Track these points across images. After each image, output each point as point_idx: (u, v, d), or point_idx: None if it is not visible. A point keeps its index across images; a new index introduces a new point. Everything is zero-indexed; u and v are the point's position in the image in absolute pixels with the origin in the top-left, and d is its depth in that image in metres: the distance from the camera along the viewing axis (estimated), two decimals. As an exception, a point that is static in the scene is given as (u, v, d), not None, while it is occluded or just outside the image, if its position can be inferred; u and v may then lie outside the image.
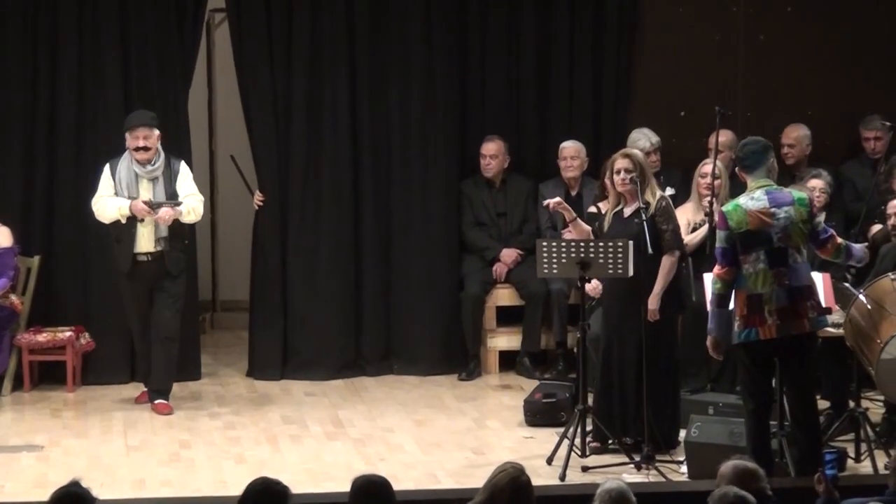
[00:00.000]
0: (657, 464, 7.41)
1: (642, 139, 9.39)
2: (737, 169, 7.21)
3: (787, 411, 7.17)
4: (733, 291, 6.95)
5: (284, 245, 9.66)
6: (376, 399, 9.15)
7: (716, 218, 8.42)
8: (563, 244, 7.66)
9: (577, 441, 7.55)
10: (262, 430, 8.40)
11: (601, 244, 7.54)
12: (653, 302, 7.64)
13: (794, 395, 7.05)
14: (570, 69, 9.85)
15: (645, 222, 7.56)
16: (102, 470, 7.47)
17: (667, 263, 7.69)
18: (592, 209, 8.10)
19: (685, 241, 8.29)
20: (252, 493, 5.07)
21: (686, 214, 8.74)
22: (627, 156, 7.76)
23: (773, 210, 6.90)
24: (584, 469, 7.43)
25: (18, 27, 9.36)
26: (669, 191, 9.29)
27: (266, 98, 9.58)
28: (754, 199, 6.94)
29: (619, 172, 7.71)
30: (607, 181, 7.84)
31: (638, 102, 9.89)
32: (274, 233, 9.65)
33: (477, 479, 5.36)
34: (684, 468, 7.42)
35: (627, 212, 7.73)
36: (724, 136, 9.13)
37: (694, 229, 8.69)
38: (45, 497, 5.15)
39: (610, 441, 7.67)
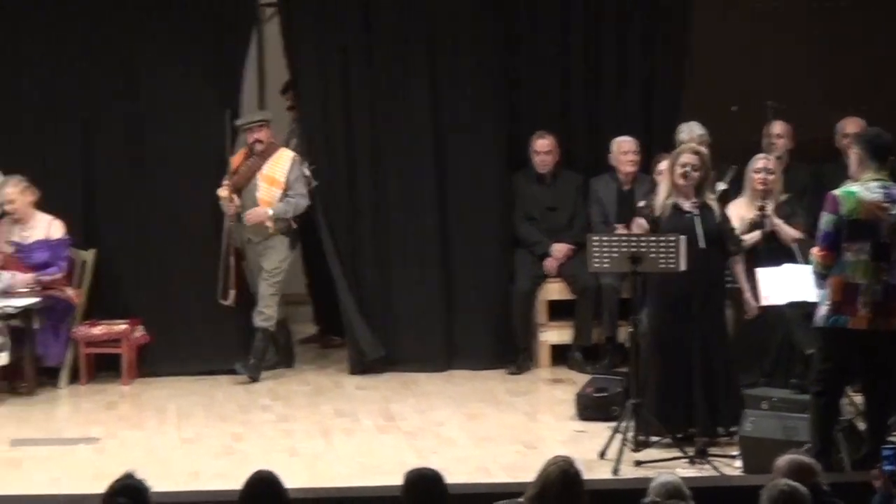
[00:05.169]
0: (711, 458, 7.39)
1: (683, 132, 9.37)
2: (856, 150, 7.02)
3: (849, 405, 7.14)
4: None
5: (337, 240, 9.68)
6: (428, 393, 9.16)
7: (770, 216, 8.43)
8: (615, 239, 7.65)
9: (630, 435, 7.53)
10: (315, 423, 8.44)
11: (652, 238, 7.52)
12: (752, 301, 7.73)
13: (871, 389, 6.99)
14: (621, 64, 9.82)
15: (697, 217, 7.55)
16: (157, 462, 7.52)
17: (739, 263, 7.77)
18: (642, 203, 8.08)
19: (743, 237, 8.35)
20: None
21: (739, 210, 8.70)
22: (697, 153, 7.76)
23: (886, 204, 6.85)
24: (638, 463, 7.40)
25: (77, 27, 9.45)
26: (721, 186, 9.26)
27: (317, 93, 9.61)
28: (870, 189, 6.86)
29: (684, 166, 7.69)
30: (664, 171, 7.82)
31: (689, 97, 9.84)
32: (326, 227, 9.67)
33: (529, 473, 5.35)
34: (739, 462, 7.39)
35: (687, 206, 7.71)
36: (780, 128, 9.07)
37: (749, 226, 8.63)
38: (102, 489, 5.19)
39: (662, 436, 7.64)
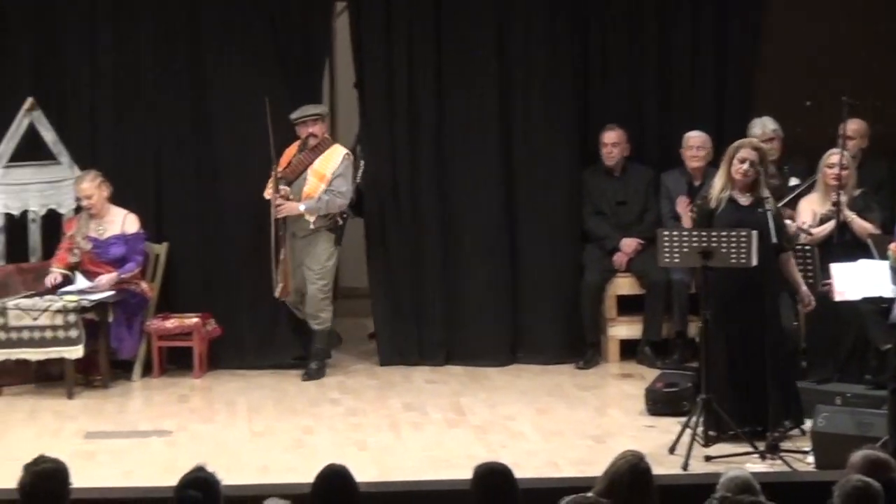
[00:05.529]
0: (782, 454, 7.33)
1: (756, 127, 9.30)
2: None
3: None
4: None
5: (403, 234, 9.70)
6: (497, 387, 9.16)
7: (843, 210, 8.36)
8: (685, 233, 7.61)
9: (700, 430, 7.48)
10: (384, 416, 8.46)
11: (724, 233, 7.47)
12: (808, 295, 7.70)
13: None
14: (693, 57, 9.77)
15: (769, 212, 7.52)
16: (227, 455, 7.56)
17: (791, 259, 7.71)
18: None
19: (813, 232, 8.26)
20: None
21: (812, 205, 8.63)
22: (756, 149, 7.71)
23: None
24: (708, 458, 7.36)
25: (149, 26, 9.56)
26: (794, 181, 9.19)
27: (381, 88, 9.62)
28: None
29: (743, 161, 7.64)
30: (721, 164, 7.79)
31: (762, 92, 9.77)
32: (393, 222, 9.69)
33: (598, 468, 5.33)
34: (811, 458, 7.32)
35: (744, 201, 7.66)
36: (854, 125, 8.98)
37: (821, 221, 8.56)
38: (173, 482, 5.23)
39: (731, 430, 7.59)
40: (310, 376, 9.27)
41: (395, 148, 9.70)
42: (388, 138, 9.69)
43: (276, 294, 9.26)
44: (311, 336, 9.37)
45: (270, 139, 8.99)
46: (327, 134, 9.41)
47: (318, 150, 9.28)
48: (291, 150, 9.33)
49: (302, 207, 9.15)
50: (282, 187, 9.13)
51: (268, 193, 9.20)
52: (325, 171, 9.23)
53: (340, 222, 9.34)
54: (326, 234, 9.26)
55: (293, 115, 9.24)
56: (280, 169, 9.18)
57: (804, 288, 7.74)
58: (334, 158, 9.26)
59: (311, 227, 9.19)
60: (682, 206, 8.47)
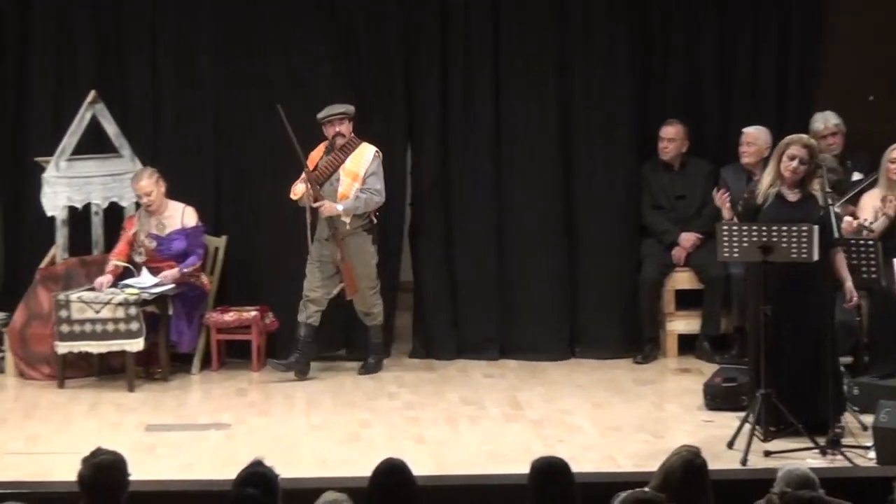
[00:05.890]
0: (843, 449, 7.27)
1: (818, 121, 9.22)
2: None
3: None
4: None
5: (459, 227, 9.70)
6: (554, 381, 9.15)
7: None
8: (745, 228, 7.56)
9: (759, 425, 7.44)
10: (441, 410, 8.46)
11: (784, 228, 7.42)
12: (851, 291, 7.63)
13: None
14: (754, 51, 9.71)
15: (830, 208, 7.49)
16: (285, 449, 7.59)
17: (840, 255, 7.66)
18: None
19: (874, 227, 8.23)
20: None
21: (873, 200, 8.55)
22: (806, 146, 7.65)
23: None
24: (767, 454, 7.31)
25: (209, 25, 9.64)
26: (857, 175, 9.10)
27: (436, 78, 9.63)
28: None
29: (793, 158, 7.60)
30: (771, 159, 7.75)
31: (825, 86, 9.68)
32: (447, 216, 9.69)
33: (655, 463, 5.31)
34: (872, 454, 7.26)
35: (792, 197, 7.62)
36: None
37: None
38: (232, 475, 5.27)
39: (790, 425, 7.53)
40: (367, 370, 9.29)
41: (450, 142, 9.69)
42: (445, 132, 9.68)
43: (347, 296, 9.21)
44: (367, 332, 9.34)
45: (294, 144, 8.93)
46: (353, 133, 9.17)
47: (347, 149, 9.12)
48: (318, 152, 9.23)
49: (340, 207, 9.05)
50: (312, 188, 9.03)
51: (294, 195, 9.13)
52: (358, 171, 9.11)
53: (375, 221, 9.23)
54: (364, 235, 9.15)
55: (320, 115, 9.12)
56: (308, 173, 9.07)
57: (849, 284, 7.65)
58: (365, 157, 9.12)
59: (348, 227, 9.07)
60: (720, 199, 8.39)
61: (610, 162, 9.71)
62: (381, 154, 9.21)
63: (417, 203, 9.75)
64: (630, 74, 9.69)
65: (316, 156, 9.22)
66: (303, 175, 9.08)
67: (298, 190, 9.12)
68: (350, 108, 9.18)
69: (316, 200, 9.04)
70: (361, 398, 8.77)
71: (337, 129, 9.11)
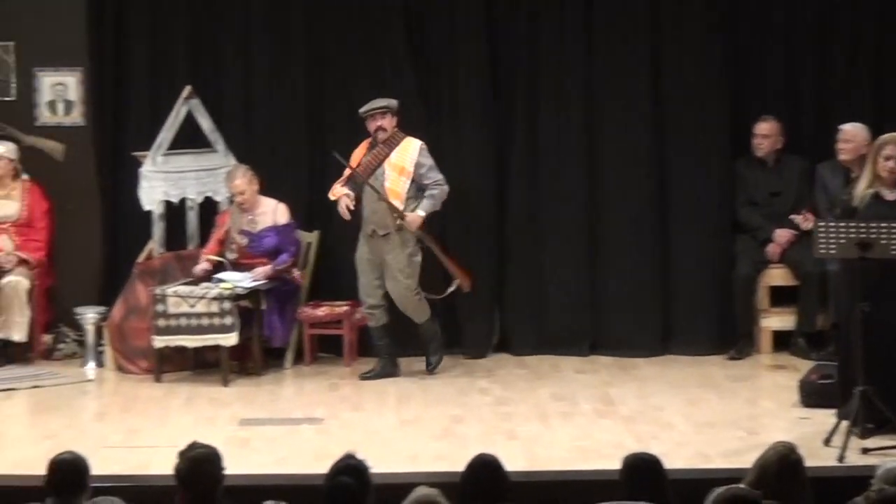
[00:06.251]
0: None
1: None
2: None
3: None
4: None
5: (551, 222, 9.67)
6: (646, 377, 9.10)
7: None
8: (842, 225, 7.46)
9: (857, 422, 7.34)
10: (533, 406, 8.45)
11: (884, 225, 7.33)
12: None
13: None
14: (852, 47, 9.59)
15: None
16: (377, 443, 7.61)
17: None
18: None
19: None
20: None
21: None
22: None
23: None
24: (865, 451, 7.22)
25: (301, 26, 9.73)
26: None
27: (520, 76, 9.62)
28: None
29: (888, 159, 7.55)
30: (867, 160, 7.65)
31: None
32: (538, 208, 9.68)
33: (750, 459, 5.28)
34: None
35: (890, 196, 7.54)
36: None
37: None
38: (324, 469, 5.30)
39: (882, 423, 7.42)
40: (433, 367, 9.16)
41: (541, 135, 9.67)
42: (536, 127, 9.67)
43: (465, 289, 9.19)
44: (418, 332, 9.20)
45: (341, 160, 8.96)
46: (396, 127, 9.04)
47: (391, 143, 8.99)
48: (361, 149, 9.12)
49: (422, 213, 8.96)
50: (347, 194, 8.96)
51: (333, 195, 9.06)
52: (405, 164, 8.98)
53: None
54: (408, 232, 9.03)
55: (361, 109, 9.02)
56: (350, 170, 9.01)
57: None
58: (411, 151, 8.98)
59: (396, 224, 8.94)
60: (803, 221, 8.42)
61: (703, 157, 9.65)
62: (426, 146, 9.08)
63: (508, 198, 9.74)
64: (724, 70, 9.61)
65: (359, 153, 9.11)
66: (344, 176, 9.01)
67: (338, 191, 9.03)
68: (392, 102, 9.06)
69: (357, 201, 8.96)
70: (453, 394, 8.78)
71: (378, 124, 8.97)
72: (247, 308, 9.15)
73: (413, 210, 9.02)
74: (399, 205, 8.96)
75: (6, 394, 8.82)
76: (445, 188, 9.09)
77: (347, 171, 9.06)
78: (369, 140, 9.12)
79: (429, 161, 9.05)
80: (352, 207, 9.02)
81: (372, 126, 9.03)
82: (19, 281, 9.42)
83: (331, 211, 9.71)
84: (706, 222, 9.64)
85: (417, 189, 9.06)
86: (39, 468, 5.41)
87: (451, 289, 9.23)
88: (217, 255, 9.33)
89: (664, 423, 8.02)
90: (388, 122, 9.01)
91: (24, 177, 9.69)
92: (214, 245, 9.36)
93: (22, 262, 9.52)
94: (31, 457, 7.18)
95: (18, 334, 9.43)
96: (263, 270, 9.18)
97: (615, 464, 5.30)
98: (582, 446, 7.60)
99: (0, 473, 7.02)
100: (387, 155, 9.04)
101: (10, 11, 9.81)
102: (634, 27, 9.62)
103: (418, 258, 9.10)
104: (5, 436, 7.96)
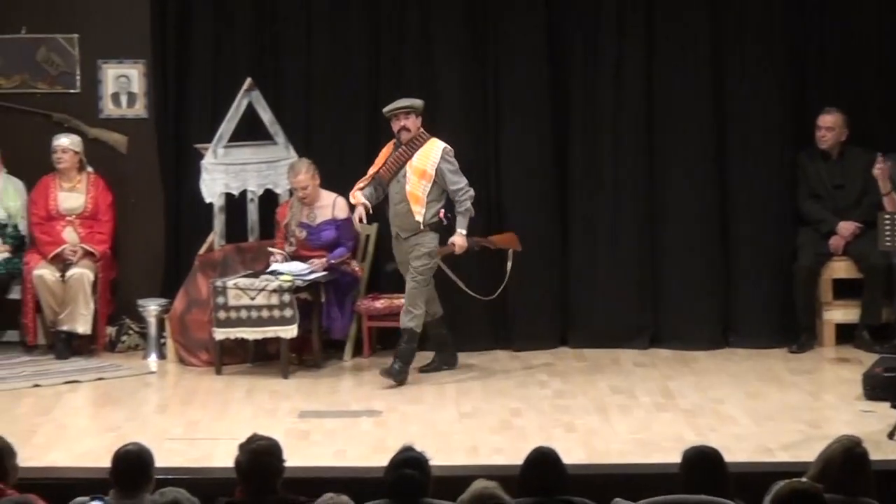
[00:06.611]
0: None
1: None
2: None
3: None
4: None
5: (612, 215, 9.64)
6: (706, 370, 9.05)
7: None
8: (908, 216, 7.39)
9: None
10: (592, 399, 8.43)
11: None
12: None
13: None
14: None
15: None
16: (436, 436, 7.62)
17: None
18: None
19: None
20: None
21: None
22: None
23: None
24: (928, 445, 7.16)
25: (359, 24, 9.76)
26: None
27: (579, 70, 9.61)
28: None
29: None
30: None
31: None
32: (597, 201, 9.65)
33: (812, 453, 5.22)
34: None
35: None
36: None
37: None
38: (383, 462, 5.31)
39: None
40: (391, 376, 8.75)
41: (602, 130, 9.64)
42: (596, 120, 9.64)
43: (518, 249, 9.10)
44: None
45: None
46: (420, 128, 8.89)
47: (415, 145, 8.83)
48: (387, 149, 9.02)
49: (463, 232, 8.82)
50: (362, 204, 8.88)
51: (353, 199, 8.98)
52: (426, 167, 8.79)
53: (445, 222, 8.92)
54: (431, 234, 8.89)
55: (385, 109, 8.92)
56: (376, 169, 8.95)
57: None
58: (433, 155, 8.79)
59: (420, 227, 8.82)
60: (879, 170, 8.21)
61: (765, 150, 9.59)
62: (451, 149, 8.87)
63: (568, 191, 9.72)
64: (787, 62, 9.54)
65: (386, 152, 9.02)
66: (366, 176, 8.95)
67: (357, 197, 8.92)
68: (417, 102, 8.89)
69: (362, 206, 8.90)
70: (511, 386, 8.77)
71: (402, 124, 8.81)
72: (306, 300, 9.18)
73: (436, 216, 8.86)
74: (419, 209, 8.84)
75: (70, 386, 8.90)
76: (471, 192, 8.87)
77: (370, 173, 8.98)
78: (393, 141, 9.01)
79: (451, 165, 8.84)
80: (364, 220, 8.98)
81: (396, 126, 8.87)
82: (84, 273, 9.51)
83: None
84: (768, 215, 9.59)
85: (440, 192, 8.88)
86: (102, 460, 5.45)
87: (510, 264, 9.10)
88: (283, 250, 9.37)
89: (724, 417, 7.97)
90: (412, 123, 8.85)
91: (89, 169, 9.78)
92: (281, 243, 9.39)
93: (87, 254, 9.61)
94: (94, 449, 7.26)
95: (83, 327, 9.51)
96: (320, 263, 9.21)
97: (674, 457, 5.28)
98: (640, 439, 7.57)
99: (64, 465, 7.08)
100: (409, 157, 8.88)
101: (75, 4, 9.90)
102: (696, 16, 9.56)
103: (437, 260, 8.96)
104: (69, 428, 8.04)
